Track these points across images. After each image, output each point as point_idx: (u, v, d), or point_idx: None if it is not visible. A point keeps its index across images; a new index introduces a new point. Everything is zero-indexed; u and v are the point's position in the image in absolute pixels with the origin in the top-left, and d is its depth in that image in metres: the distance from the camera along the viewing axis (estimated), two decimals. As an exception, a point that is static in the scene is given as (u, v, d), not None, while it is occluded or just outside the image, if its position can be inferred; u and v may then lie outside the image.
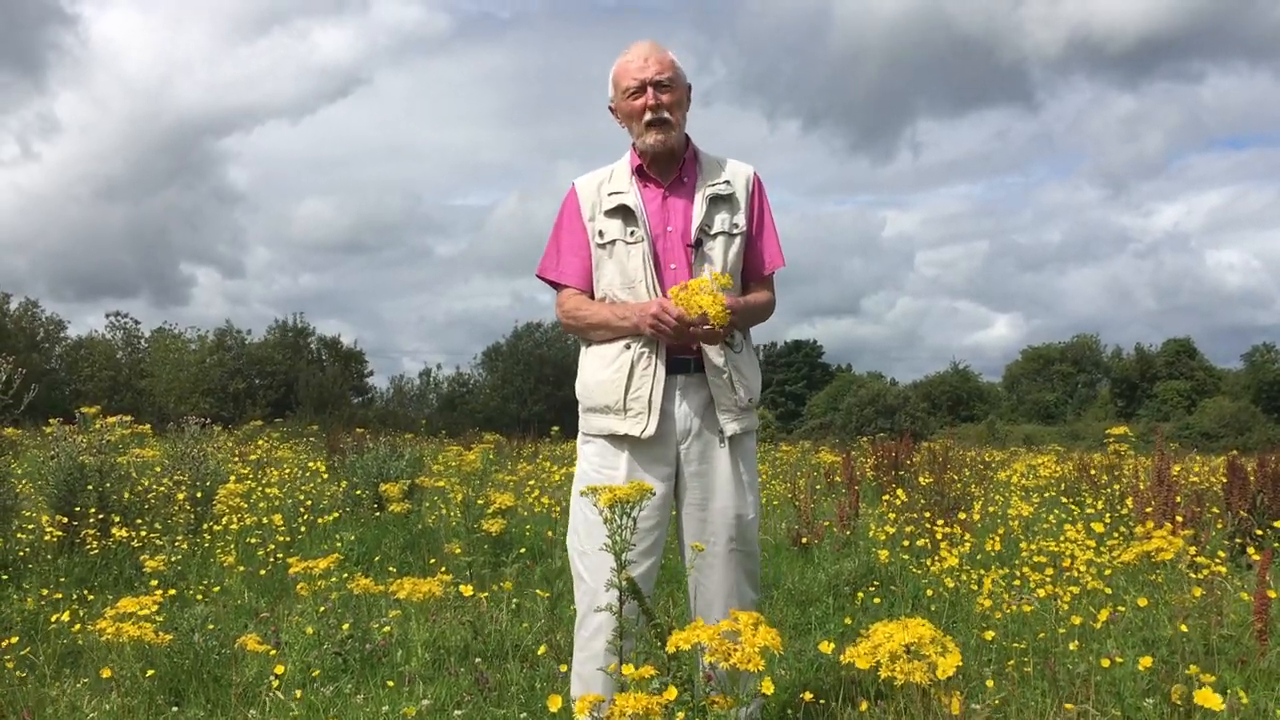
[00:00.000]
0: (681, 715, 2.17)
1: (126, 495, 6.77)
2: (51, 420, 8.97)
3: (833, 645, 2.54)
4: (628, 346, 3.18)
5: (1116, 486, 7.98)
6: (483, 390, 54.24)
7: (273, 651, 4.10)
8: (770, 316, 3.44)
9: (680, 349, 3.17)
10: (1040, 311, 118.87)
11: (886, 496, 7.33)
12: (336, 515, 7.43)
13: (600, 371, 3.25)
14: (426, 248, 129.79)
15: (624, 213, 3.22)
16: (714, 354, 3.17)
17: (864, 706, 2.76)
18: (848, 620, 4.84)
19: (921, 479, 7.70)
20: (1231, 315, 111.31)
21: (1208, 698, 2.36)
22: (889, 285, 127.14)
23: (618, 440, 3.20)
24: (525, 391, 51.10)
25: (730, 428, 3.18)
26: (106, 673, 3.35)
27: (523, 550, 6.25)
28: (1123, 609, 4.09)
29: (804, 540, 6.73)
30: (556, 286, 3.37)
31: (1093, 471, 9.27)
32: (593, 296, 3.31)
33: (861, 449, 15.50)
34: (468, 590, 3.61)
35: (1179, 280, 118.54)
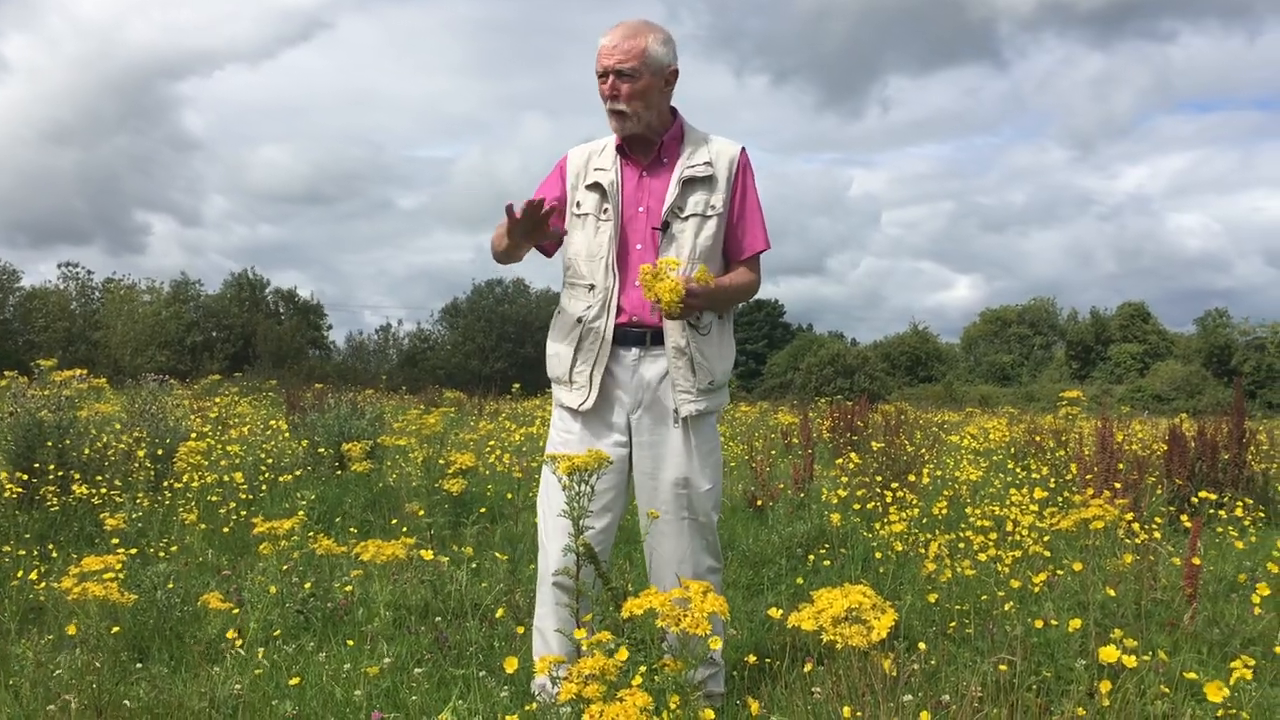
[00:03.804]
0: (638, 679, 2.27)
1: (86, 452, 6.78)
2: (6, 372, 8.90)
3: (780, 611, 2.66)
4: (579, 320, 3.29)
5: (1062, 452, 8.18)
6: (444, 346, 54.01)
7: (235, 609, 4.17)
8: (752, 297, 3.51)
9: (633, 321, 3.26)
10: (1001, 273, 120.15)
11: (840, 460, 7.48)
12: (298, 473, 7.47)
13: (556, 344, 3.37)
14: (387, 200, 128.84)
15: (600, 189, 3.30)
16: (676, 335, 3.23)
17: (809, 667, 2.89)
18: (799, 581, 4.98)
19: (874, 444, 7.86)
20: (1191, 279, 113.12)
21: (1109, 654, 2.50)
22: (854, 245, 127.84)
23: (571, 409, 3.31)
24: (487, 348, 50.98)
25: (687, 409, 3.25)
26: (73, 629, 3.41)
27: (483, 510, 6.34)
28: (1061, 573, 4.25)
29: (759, 502, 6.87)
30: None
31: (1038, 438, 9.49)
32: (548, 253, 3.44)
33: (819, 410, 15.68)
34: (429, 555, 3.71)
35: (1140, 243, 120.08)
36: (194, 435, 8.37)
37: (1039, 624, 3.49)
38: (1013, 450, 9.83)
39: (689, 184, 3.27)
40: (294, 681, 3.42)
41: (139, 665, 3.80)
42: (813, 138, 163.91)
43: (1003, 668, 3.07)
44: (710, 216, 3.27)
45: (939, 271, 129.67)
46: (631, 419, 3.29)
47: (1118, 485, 5.43)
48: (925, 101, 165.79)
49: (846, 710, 2.50)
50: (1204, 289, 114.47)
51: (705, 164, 3.29)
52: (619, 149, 3.34)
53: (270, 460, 8.04)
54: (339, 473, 7.70)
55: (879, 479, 6.57)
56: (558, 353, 3.36)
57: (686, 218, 3.26)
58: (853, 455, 7.40)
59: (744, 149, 3.37)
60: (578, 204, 3.34)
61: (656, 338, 3.26)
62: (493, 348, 50.81)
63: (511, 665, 2.69)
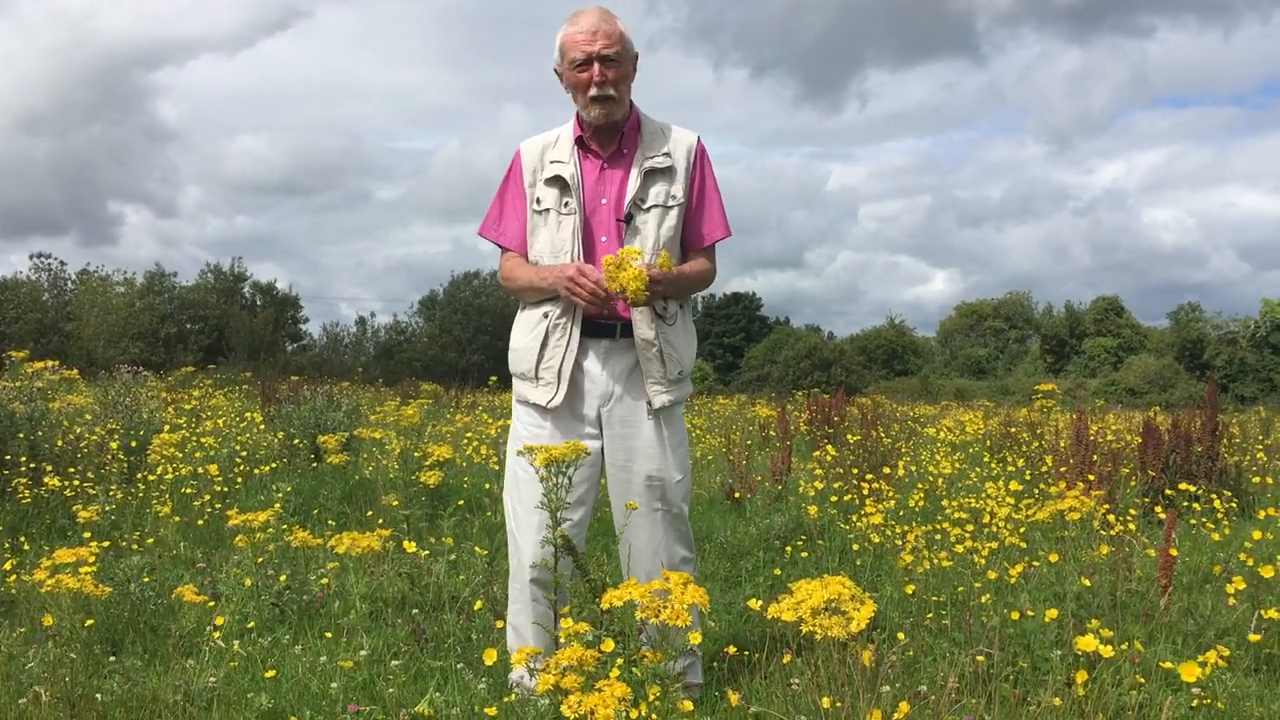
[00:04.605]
0: (616, 671, 2.27)
1: (59, 444, 6.71)
2: (-23, 364, 8.81)
3: (760, 603, 2.66)
4: (545, 315, 3.25)
5: (1037, 445, 8.23)
6: (420, 339, 53.83)
7: (210, 603, 4.14)
8: (708, 287, 3.49)
9: (603, 315, 3.22)
10: (978, 268, 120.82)
11: (817, 453, 7.49)
12: (274, 466, 7.42)
13: (522, 338, 3.32)
14: (366, 191, 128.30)
15: (560, 183, 3.26)
16: (644, 327, 3.22)
17: (787, 659, 2.89)
18: (777, 573, 4.99)
19: (850, 436, 7.88)
20: (1165, 273, 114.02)
21: (1088, 643, 2.51)
22: (831, 239, 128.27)
23: (540, 405, 3.28)
24: (464, 340, 50.81)
25: (659, 400, 3.25)
26: (49, 620, 3.37)
27: (460, 503, 6.32)
28: (1036, 564, 4.27)
29: (736, 495, 6.88)
30: (498, 246, 3.43)
31: (1013, 429, 9.54)
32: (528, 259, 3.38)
33: (796, 403, 15.73)
34: (410, 546, 3.69)
35: (1115, 238, 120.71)
36: (168, 427, 8.31)
37: (1015, 615, 3.51)
38: (988, 443, 9.88)
39: (649, 175, 3.26)
40: (269, 674, 3.40)
41: (112, 658, 3.77)
42: (791, 131, 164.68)
43: (980, 658, 3.09)
44: (672, 207, 3.28)
45: (916, 265, 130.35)
46: (602, 412, 3.27)
47: (1092, 477, 5.46)
48: (903, 95, 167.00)
49: (825, 701, 2.50)
50: (1178, 283, 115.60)
51: (664, 154, 3.29)
52: (578, 140, 3.30)
53: (245, 453, 7.99)
54: (315, 465, 7.66)
55: (855, 471, 6.59)
56: (523, 348, 3.31)
57: (649, 209, 3.26)
58: (829, 448, 7.42)
59: (699, 138, 3.37)
60: (538, 200, 3.29)
61: (625, 330, 3.25)
62: (469, 340, 50.63)
63: (490, 657, 2.68)
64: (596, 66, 3.16)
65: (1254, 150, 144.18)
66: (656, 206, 3.26)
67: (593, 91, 3.18)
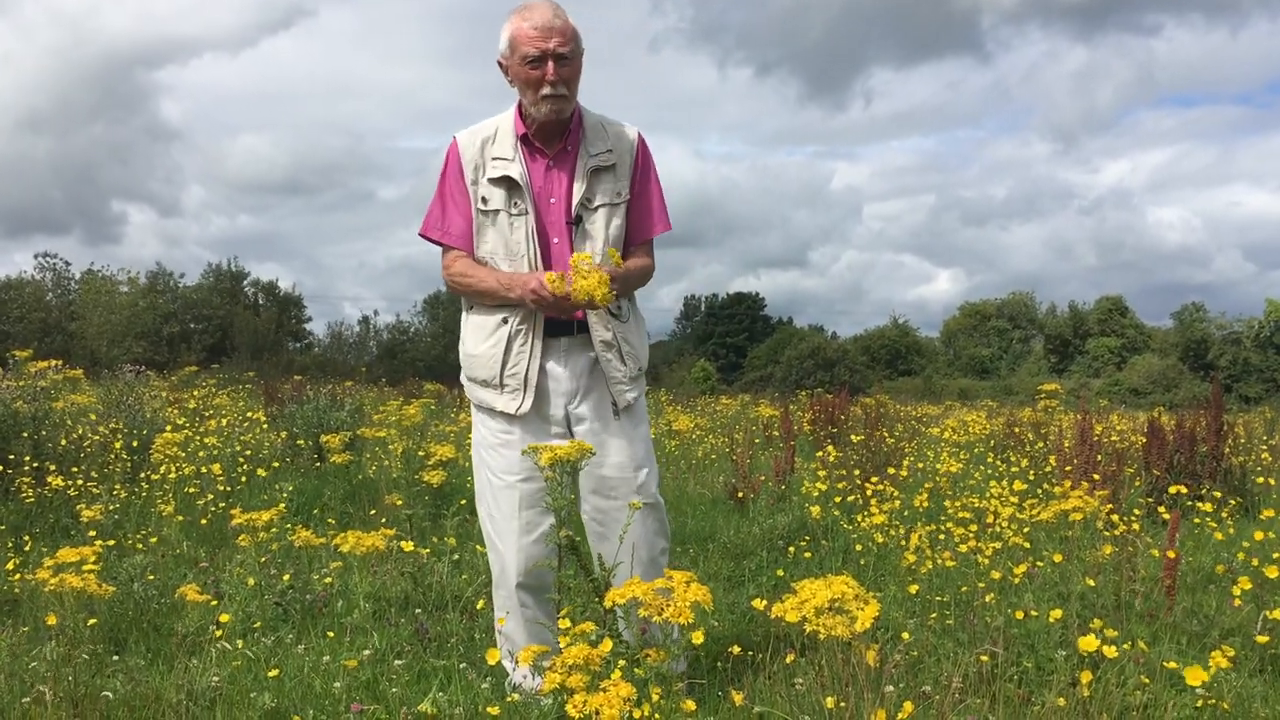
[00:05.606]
0: (618, 673, 2.26)
1: (62, 443, 6.72)
2: (-19, 364, 8.81)
3: (763, 602, 2.65)
4: (505, 321, 3.20)
5: (1041, 445, 8.22)
6: (424, 338, 53.87)
7: (213, 601, 4.14)
8: (648, 283, 3.45)
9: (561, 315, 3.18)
10: (982, 267, 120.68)
11: (820, 453, 7.48)
12: (277, 465, 7.42)
13: (479, 344, 3.27)
14: (368, 191, 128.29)
15: (508, 184, 3.19)
16: (600, 328, 3.20)
17: (790, 658, 2.88)
18: (780, 573, 4.98)
19: (854, 437, 7.87)
20: (1169, 273, 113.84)
21: (1092, 643, 2.51)
22: (835, 238, 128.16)
23: (505, 413, 3.25)
24: (467, 340, 50.89)
25: (624, 399, 3.26)
26: (52, 619, 3.37)
27: (463, 502, 6.31)
28: (1040, 564, 4.26)
29: (740, 495, 6.87)
30: (442, 246, 3.35)
31: (1017, 429, 9.53)
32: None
33: (800, 403, 15.71)
34: (408, 546, 3.68)
35: (1120, 237, 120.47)
36: (170, 427, 8.31)
37: (1019, 615, 3.50)
38: (992, 443, 9.86)
39: (595, 173, 3.22)
40: (273, 674, 3.40)
41: (116, 657, 3.77)
42: (796, 130, 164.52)
43: (984, 658, 3.08)
44: (619, 204, 3.25)
45: (920, 265, 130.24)
46: (569, 410, 3.26)
47: (1097, 477, 5.45)
48: (908, 94, 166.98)
49: (829, 701, 2.50)
50: (1183, 283, 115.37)
51: (607, 151, 3.24)
52: (522, 138, 3.23)
53: (249, 452, 7.98)
54: (318, 464, 7.66)
55: (859, 472, 6.58)
56: (483, 355, 3.25)
57: (596, 208, 3.22)
58: (832, 448, 7.41)
59: (639, 132, 3.34)
60: (483, 199, 3.22)
61: (582, 325, 3.23)
62: (473, 340, 50.67)
63: (493, 657, 2.69)
64: (551, 64, 3.09)
65: (1260, 149, 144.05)
66: (604, 205, 3.22)
67: (545, 90, 3.10)
